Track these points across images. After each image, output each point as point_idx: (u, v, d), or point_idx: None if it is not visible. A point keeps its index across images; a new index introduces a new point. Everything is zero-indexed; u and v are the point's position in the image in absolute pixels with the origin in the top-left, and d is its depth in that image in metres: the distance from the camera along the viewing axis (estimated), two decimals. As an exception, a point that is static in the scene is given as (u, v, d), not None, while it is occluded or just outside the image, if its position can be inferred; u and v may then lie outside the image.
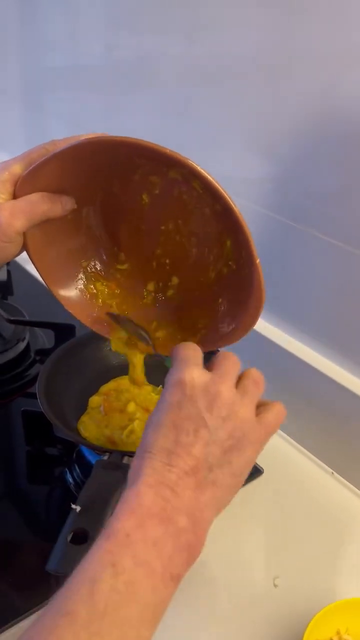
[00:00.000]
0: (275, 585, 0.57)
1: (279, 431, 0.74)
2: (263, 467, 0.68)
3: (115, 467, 0.51)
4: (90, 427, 0.65)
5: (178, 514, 0.39)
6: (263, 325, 0.75)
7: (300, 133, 0.63)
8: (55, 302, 1.00)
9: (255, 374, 0.45)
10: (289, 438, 0.74)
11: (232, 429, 0.42)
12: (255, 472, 0.67)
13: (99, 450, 0.56)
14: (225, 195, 0.41)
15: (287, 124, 0.64)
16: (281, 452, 0.72)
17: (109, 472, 0.51)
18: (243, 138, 0.71)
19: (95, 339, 0.73)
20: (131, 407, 0.66)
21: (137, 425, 0.63)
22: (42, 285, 1.08)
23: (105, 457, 0.53)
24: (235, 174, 0.72)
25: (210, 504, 0.41)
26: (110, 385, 0.71)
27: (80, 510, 0.44)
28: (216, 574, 0.57)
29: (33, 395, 0.79)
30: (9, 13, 1.09)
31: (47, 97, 1.10)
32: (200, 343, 0.46)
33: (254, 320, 0.45)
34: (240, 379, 0.45)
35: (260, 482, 0.67)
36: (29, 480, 0.68)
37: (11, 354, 0.81)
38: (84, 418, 0.67)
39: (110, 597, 0.34)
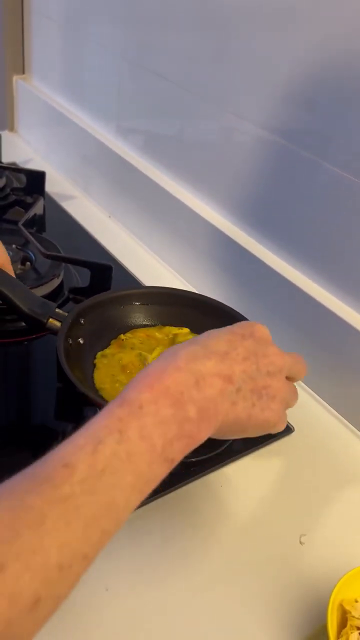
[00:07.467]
0: (301, 543, 0.56)
1: (312, 392, 0.73)
2: (294, 426, 0.67)
3: None
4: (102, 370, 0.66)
5: (191, 403, 0.40)
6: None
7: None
8: (87, 242, 0.99)
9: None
10: (321, 400, 0.73)
11: (268, 385, 0.46)
12: (286, 430, 0.66)
13: None
14: None
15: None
16: (312, 412, 0.71)
17: None
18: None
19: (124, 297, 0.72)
20: (155, 353, 0.66)
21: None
22: (75, 223, 1.06)
23: None
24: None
25: (221, 415, 0.42)
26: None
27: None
28: (241, 527, 0.57)
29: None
30: None
31: (89, 28, 1.05)
32: None
33: None
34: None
35: (290, 440, 0.66)
36: (55, 416, 0.67)
37: (45, 289, 0.79)
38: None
39: (111, 461, 0.36)
